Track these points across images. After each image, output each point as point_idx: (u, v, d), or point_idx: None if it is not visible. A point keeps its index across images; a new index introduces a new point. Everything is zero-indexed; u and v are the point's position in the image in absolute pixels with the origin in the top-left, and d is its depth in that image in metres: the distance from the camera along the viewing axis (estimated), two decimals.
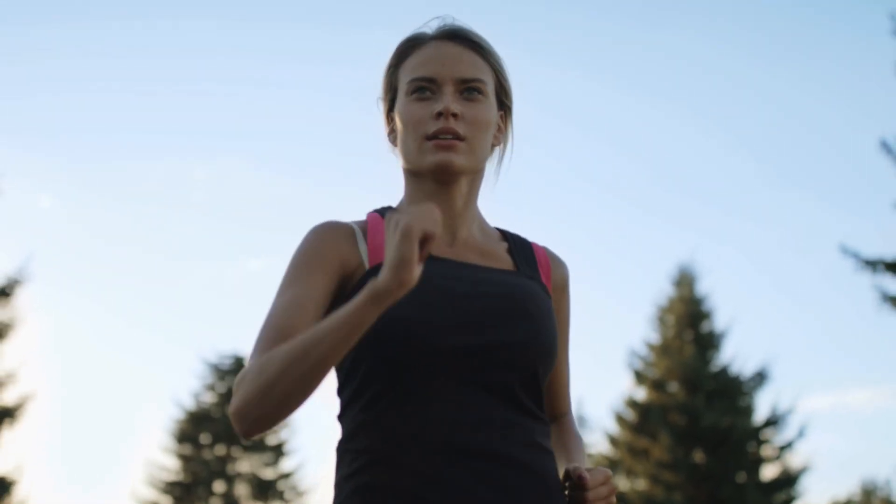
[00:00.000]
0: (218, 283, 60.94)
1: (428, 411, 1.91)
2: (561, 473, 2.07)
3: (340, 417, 2.03)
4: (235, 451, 31.86)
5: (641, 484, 28.03)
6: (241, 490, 31.30)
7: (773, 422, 27.71)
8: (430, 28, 2.14)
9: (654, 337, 29.54)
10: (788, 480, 27.22)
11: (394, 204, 2.17)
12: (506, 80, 2.15)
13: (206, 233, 61.83)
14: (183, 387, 58.40)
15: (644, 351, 29.56)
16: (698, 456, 27.37)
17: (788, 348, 55.89)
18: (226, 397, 32.43)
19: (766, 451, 27.68)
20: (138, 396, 69.70)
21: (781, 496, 26.96)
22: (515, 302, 2.00)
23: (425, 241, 1.70)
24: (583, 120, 59.29)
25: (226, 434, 31.67)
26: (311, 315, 1.92)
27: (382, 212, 2.14)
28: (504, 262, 2.11)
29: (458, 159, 2.01)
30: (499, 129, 2.15)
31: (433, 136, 2.01)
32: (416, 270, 1.69)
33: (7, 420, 14.78)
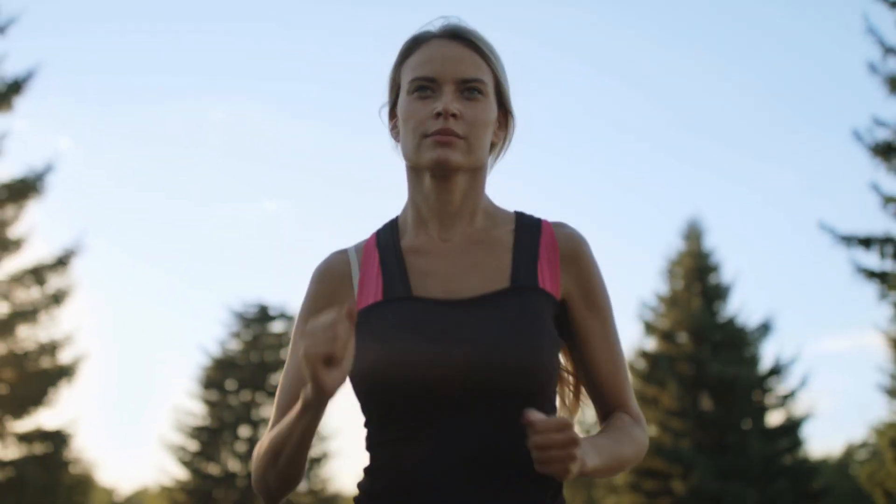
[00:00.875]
0: (236, 226, 61.93)
1: (417, 452, 2.00)
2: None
3: (365, 443, 2.16)
4: (260, 397, 32.94)
5: (651, 430, 29.44)
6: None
7: (776, 371, 29.23)
8: (434, 27, 2.18)
9: (664, 289, 31.01)
10: (791, 427, 28.80)
11: (402, 201, 2.27)
12: (505, 82, 2.19)
13: (223, 175, 62.85)
14: (209, 334, 59.61)
15: (654, 302, 31.03)
16: (705, 404, 28.78)
17: (802, 291, 57.23)
18: (251, 345, 33.63)
19: (769, 399, 29.20)
20: (165, 343, 70.95)
21: (784, 442, 28.57)
22: (500, 335, 2.00)
23: (329, 357, 1.84)
24: (595, 62, 60.55)
25: (251, 380, 32.87)
26: None
27: (380, 232, 2.25)
28: (500, 257, 2.13)
29: (455, 156, 2.07)
30: (499, 127, 2.20)
31: (433, 135, 2.07)
32: (332, 384, 1.86)
33: (65, 378, 16.32)
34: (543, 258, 2.13)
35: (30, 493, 15.75)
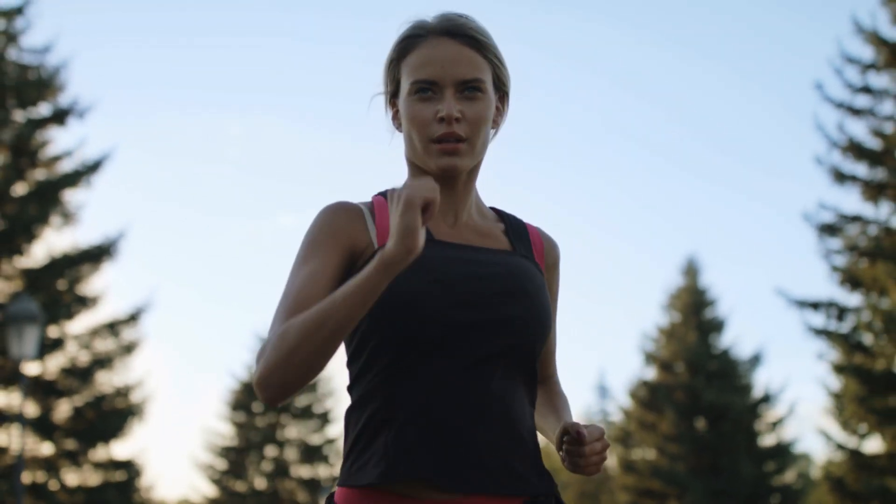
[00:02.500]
0: (252, 241, 64.09)
1: (430, 384, 2.08)
2: (555, 432, 2.28)
3: (350, 388, 2.19)
4: (285, 419, 34.66)
5: (649, 454, 32.74)
6: (290, 455, 34.01)
7: (766, 399, 32.14)
8: (430, 19, 2.25)
9: (664, 321, 34.10)
10: (780, 450, 31.78)
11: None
12: (503, 69, 2.28)
13: (240, 189, 64.76)
14: (236, 358, 61.35)
15: (655, 334, 34.13)
16: (700, 429, 31.73)
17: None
18: None
19: (760, 425, 32.14)
20: (196, 364, 72.80)
21: (773, 464, 31.58)
22: (513, 281, 2.17)
23: (426, 208, 1.88)
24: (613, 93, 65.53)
25: None
26: (326, 288, 2.07)
27: (385, 193, 2.29)
28: (501, 242, 2.28)
29: (462, 162, 2.18)
30: (497, 111, 2.30)
31: (438, 140, 2.17)
32: (421, 237, 1.87)
33: (136, 417, 19.73)
34: (536, 256, 2.31)
35: None
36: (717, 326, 33.54)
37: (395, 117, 2.30)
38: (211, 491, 34.70)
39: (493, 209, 2.39)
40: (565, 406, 2.40)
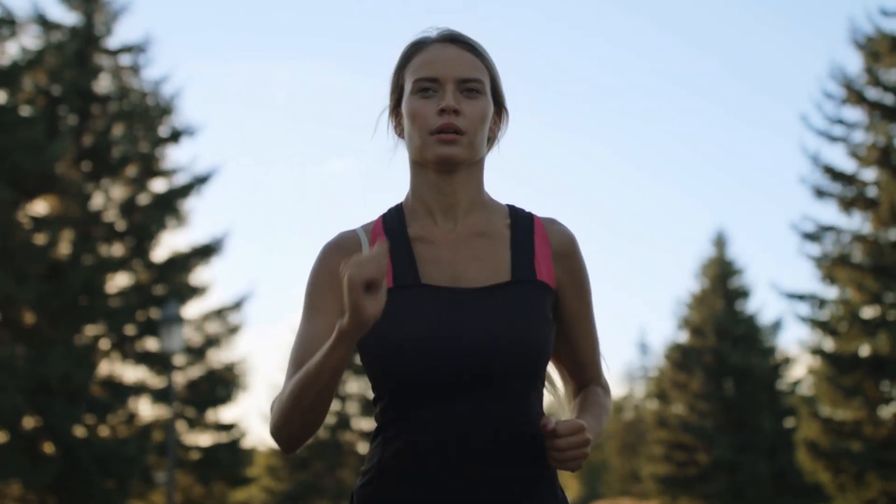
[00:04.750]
0: (302, 186, 66.58)
1: (428, 427, 2.24)
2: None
3: (375, 417, 2.38)
4: (346, 375, 37.01)
5: (680, 409, 37.29)
6: (351, 408, 36.65)
7: (786, 361, 36.46)
8: (432, 33, 2.45)
9: (696, 288, 38.29)
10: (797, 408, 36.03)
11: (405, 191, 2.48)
12: (499, 80, 2.46)
13: (289, 134, 67.28)
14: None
15: (688, 299, 38.38)
16: (727, 389, 35.99)
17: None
18: None
19: (781, 385, 36.53)
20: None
21: (792, 421, 34.60)
22: (503, 321, 2.28)
23: (371, 285, 2.04)
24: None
25: None
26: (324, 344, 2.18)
27: (387, 217, 2.46)
28: (499, 248, 2.40)
29: (459, 152, 2.33)
30: (494, 123, 2.47)
31: (437, 132, 2.33)
32: (369, 311, 2.04)
33: (240, 389, 25.40)
34: (538, 252, 2.40)
35: (218, 467, 24.85)
36: (743, 294, 37.52)
37: (398, 126, 2.48)
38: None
39: (509, 206, 2.50)
40: (593, 409, 2.44)
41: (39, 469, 18.60)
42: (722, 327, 36.76)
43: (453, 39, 2.42)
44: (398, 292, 2.31)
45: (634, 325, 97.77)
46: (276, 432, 2.27)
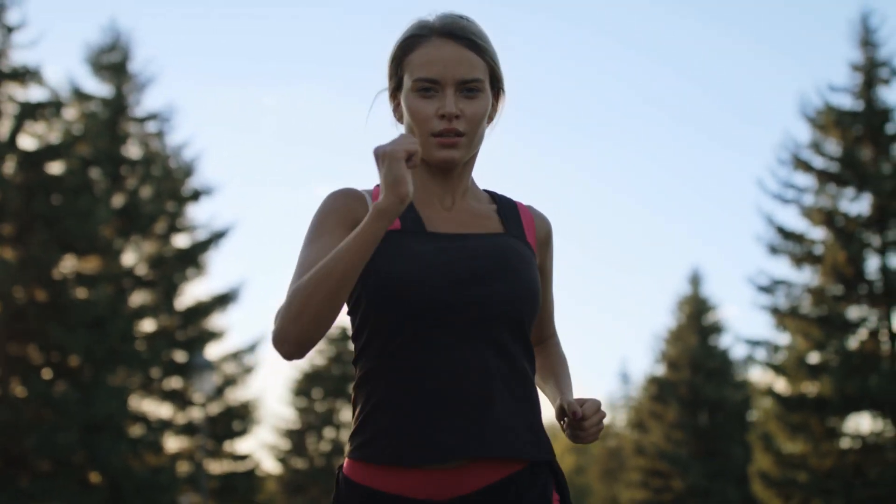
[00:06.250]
0: (291, 209, 67.13)
1: (426, 362, 2.32)
2: (555, 397, 2.56)
3: (355, 363, 2.43)
4: (341, 404, 38.65)
5: (657, 439, 39.62)
6: (346, 436, 33.88)
7: (757, 394, 37.87)
8: (433, 20, 2.49)
9: (673, 324, 41.08)
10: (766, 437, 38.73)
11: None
12: (499, 68, 2.52)
13: (276, 159, 68.15)
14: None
15: (665, 335, 41.11)
16: (701, 419, 38.51)
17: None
18: (333, 360, 39.01)
19: (751, 416, 38.23)
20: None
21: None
22: (500, 259, 2.40)
23: (409, 158, 2.13)
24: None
25: (333, 390, 38.54)
26: None
27: None
28: (494, 222, 2.53)
29: (459, 154, 2.43)
30: (492, 108, 2.54)
31: (438, 135, 2.41)
32: (410, 185, 2.12)
33: (253, 424, 28.72)
34: (527, 232, 2.57)
35: (234, 493, 27.80)
36: (716, 330, 40.22)
37: (397, 109, 2.55)
38: (276, 468, 38.39)
39: (486, 191, 2.62)
40: (564, 370, 2.67)
41: (88, 496, 21.45)
42: (696, 361, 39.31)
43: (453, 34, 2.46)
44: (406, 234, 2.42)
45: (617, 357, 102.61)
46: (285, 329, 2.24)
